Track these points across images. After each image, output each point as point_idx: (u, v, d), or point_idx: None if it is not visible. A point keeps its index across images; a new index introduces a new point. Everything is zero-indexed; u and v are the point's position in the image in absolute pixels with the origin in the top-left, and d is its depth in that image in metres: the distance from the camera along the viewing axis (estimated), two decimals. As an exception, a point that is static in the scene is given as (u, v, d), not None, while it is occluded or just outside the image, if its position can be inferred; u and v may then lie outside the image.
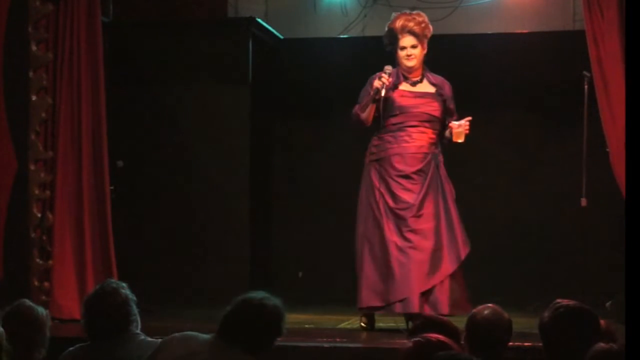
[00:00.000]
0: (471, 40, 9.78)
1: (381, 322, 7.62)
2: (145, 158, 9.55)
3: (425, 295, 7.17)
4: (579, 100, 8.35)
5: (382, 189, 7.35)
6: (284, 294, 10.14)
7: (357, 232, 7.44)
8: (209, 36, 9.61)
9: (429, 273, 7.17)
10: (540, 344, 4.15)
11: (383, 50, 7.63)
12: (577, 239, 8.62)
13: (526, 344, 6.23)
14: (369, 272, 7.29)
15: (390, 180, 7.35)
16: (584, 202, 8.29)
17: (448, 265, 7.20)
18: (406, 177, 7.34)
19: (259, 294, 4.19)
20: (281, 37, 10.11)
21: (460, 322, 4.50)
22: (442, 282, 7.16)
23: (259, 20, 9.71)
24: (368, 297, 7.27)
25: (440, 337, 3.74)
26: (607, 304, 7.84)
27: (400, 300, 7.12)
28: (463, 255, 7.25)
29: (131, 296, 4.62)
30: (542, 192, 9.68)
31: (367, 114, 7.41)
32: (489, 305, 4.49)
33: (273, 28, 9.97)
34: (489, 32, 9.82)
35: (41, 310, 4.66)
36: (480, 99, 9.69)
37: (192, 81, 9.56)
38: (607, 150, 7.54)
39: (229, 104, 9.53)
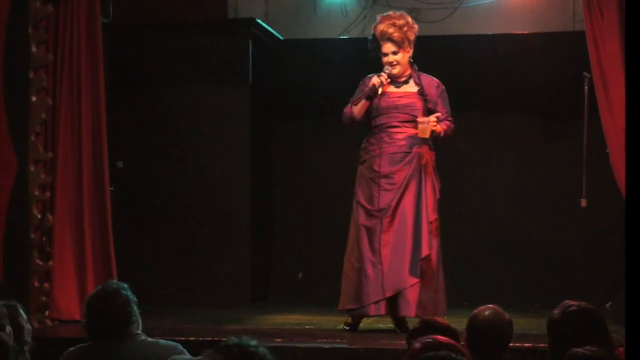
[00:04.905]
0: (471, 41, 9.77)
1: (381, 324, 7.62)
2: (145, 159, 9.52)
3: (393, 299, 7.22)
4: (579, 101, 8.33)
5: (363, 192, 7.40)
6: (284, 294, 10.19)
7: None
8: (209, 37, 9.57)
9: (394, 279, 7.20)
10: (541, 345, 4.19)
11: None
12: (577, 239, 8.61)
13: (527, 344, 6.23)
14: (348, 275, 7.40)
15: (370, 182, 7.38)
16: (584, 203, 8.27)
17: (410, 273, 7.21)
18: (385, 177, 7.33)
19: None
20: (281, 37, 10.09)
21: (461, 324, 4.49)
22: (411, 285, 7.18)
23: (259, 21, 9.69)
24: (345, 300, 7.38)
25: (448, 339, 3.74)
26: (607, 305, 7.84)
27: (374, 303, 7.21)
28: (422, 256, 7.22)
29: (132, 297, 4.63)
30: (542, 193, 9.67)
31: (359, 108, 7.41)
32: (490, 306, 4.49)
33: (273, 29, 9.94)
34: (489, 33, 9.81)
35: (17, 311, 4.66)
36: (480, 100, 9.73)
37: (192, 82, 9.52)
38: (607, 151, 7.52)
39: (228, 105, 9.49)
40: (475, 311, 4.46)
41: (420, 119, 7.27)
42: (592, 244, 8.62)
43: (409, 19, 7.47)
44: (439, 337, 3.76)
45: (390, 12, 7.56)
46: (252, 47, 9.55)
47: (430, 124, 7.23)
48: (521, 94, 9.68)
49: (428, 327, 4.22)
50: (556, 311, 4.20)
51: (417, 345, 3.69)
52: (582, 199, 8.28)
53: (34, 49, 7.90)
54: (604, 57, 7.50)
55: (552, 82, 9.52)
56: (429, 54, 9.47)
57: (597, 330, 4.07)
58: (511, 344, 4.46)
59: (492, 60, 9.70)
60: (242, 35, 9.52)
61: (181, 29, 9.68)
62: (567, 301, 4.24)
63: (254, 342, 3.50)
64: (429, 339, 3.72)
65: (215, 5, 10.08)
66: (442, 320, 4.31)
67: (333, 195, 9.19)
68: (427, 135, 7.25)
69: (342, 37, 9.98)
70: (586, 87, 8.12)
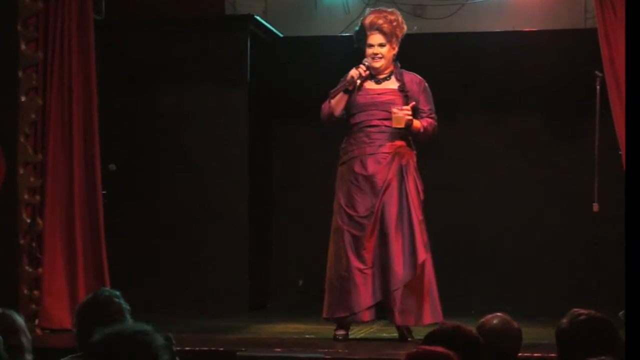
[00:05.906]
0: (478, 38, 9.72)
1: (385, 333, 7.54)
2: (139, 161, 9.48)
3: (380, 305, 7.07)
4: (591, 100, 8.23)
5: (344, 196, 7.22)
6: (284, 302, 10.07)
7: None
8: (205, 35, 9.56)
9: (383, 284, 7.04)
10: (551, 355, 4.22)
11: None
12: (589, 245, 8.53)
13: (536, 354, 6.17)
14: (334, 282, 7.22)
15: (351, 185, 7.20)
16: (595, 207, 8.19)
17: (401, 277, 7.00)
18: (365, 179, 7.13)
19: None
20: (281, 35, 10.08)
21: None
22: (395, 291, 6.98)
23: (258, 18, 9.68)
24: (335, 308, 7.20)
25: (440, 349, 3.48)
26: (620, 313, 7.68)
27: (367, 309, 7.05)
28: (419, 262, 7.02)
29: (125, 305, 4.51)
30: (552, 197, 9.59)
31: (337, 102, 7.23)
32: (498, 314, 4.41)
33: (272, 26, 9.94)
34: (497, 30, 9.77)
35: (17, 315, 4.50)
36: (488, 98, 9.70)
37: (188, 81, 9.49)
38: (620, 152, 7.41)
39: (226, 104, 9.46)
40: (483, 320, 4.38)
41: (394, 110, 7.05)
42: (605, 250, 8.53)
43: (400, 18, 7.33)
44: (430, 347, 3.49)
45: (382, 8, 7.48)
46: (250, 45, 9.53)
47: (404, 112, 7.01)
48: (530, 93, 9.61)
49: (443, 334, 3.93)
50: (565, 320, 4.09)
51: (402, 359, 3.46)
52: (594, 203, 8.18)
53: (23, 46, 7.87)
54: (616, 55, 7.41)
55: (562, 80, 9.44)
56: (435, 52, 9.37)
57: (608, 340, 3.96)
58: (520, 354, 4.40)
59: (500, 58, 9.64)
60: (240, 33, 9.51)
61: (177, 26, 9.66)
62: (575, 310, 4.14)
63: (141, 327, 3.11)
64: (414, 350, 3.47)
65: (213, 2, 10.07)
66: (463, 325, 4.02)
67: (334, 198, 9.06)
68: (402, 124, 7.02)
69: (343, 34, 9.85)
70: (598, 86, 8.06)
